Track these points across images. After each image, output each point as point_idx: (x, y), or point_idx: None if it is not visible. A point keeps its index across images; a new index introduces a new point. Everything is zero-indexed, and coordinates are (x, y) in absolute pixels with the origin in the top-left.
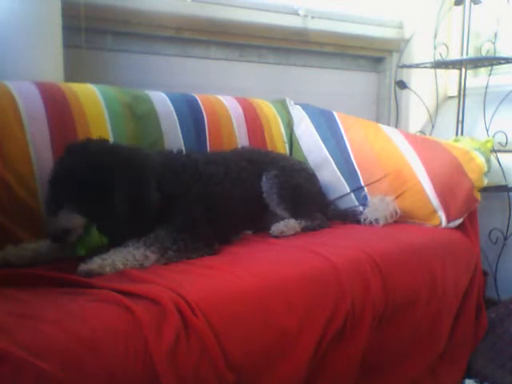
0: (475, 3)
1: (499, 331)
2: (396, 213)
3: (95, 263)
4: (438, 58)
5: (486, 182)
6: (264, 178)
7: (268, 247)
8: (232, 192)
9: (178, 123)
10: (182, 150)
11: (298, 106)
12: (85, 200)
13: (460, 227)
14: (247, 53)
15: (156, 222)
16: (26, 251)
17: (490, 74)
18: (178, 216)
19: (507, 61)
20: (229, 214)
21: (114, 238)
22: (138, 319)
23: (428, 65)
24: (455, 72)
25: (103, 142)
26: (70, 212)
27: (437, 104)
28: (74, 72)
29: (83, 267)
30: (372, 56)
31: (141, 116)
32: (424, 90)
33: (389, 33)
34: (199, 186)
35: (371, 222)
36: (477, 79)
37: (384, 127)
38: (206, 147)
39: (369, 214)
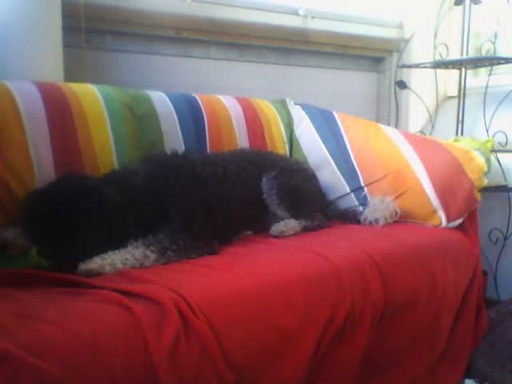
0: (475, 3)
1: (499, 331)
2: (396, 213)
3: (95, 263)
4: (437, 58)
5: (486, 182)
6: (264, 179)
7: (268, 247)
8: (231, 192)
9: (178, 123)
10: (176, 152)
11: (298, 106)
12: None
13: (460, 227)
14: (247, 53)
15: (154, 225)
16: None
17: (489, 74)
18: (176, 217)
19: (507, 61)
20: (228, 215)
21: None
22: (138, 319)
23: (428, 65)
24: (455, 72)
25: (71, 183)
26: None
27: (437, 104)
28: (73, 72)
29: (83, 267)
30: (372, 56)
31: (141, 116)
32: (424, 89)
33: (389, 33)
34: (197, 187)
35: (371, 222)
36: (477, 79)
37: (384, 127)
38: (206, 147)
39: (369, 214)
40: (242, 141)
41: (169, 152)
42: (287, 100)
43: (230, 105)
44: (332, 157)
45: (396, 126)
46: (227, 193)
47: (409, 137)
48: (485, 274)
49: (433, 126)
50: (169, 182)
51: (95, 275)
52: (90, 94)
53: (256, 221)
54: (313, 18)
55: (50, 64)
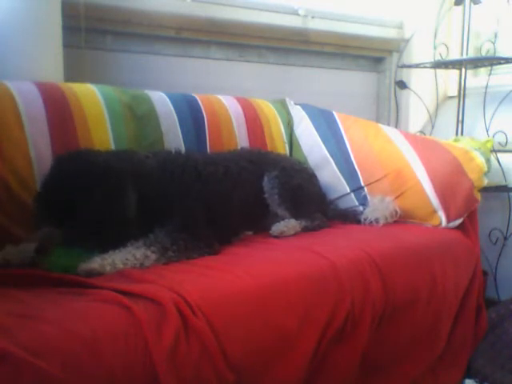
0: (475, 3)
1: (499, 331)
2: (396, 213)
3: (96, 262)
4: (437, 57)
5: (485, 182)
6: (265, 179)
7: (268, 247)
8: (232, 192)
9: (177, 123)
10: (180, 151)
11: (298, 106)
12: (59, 214)
13: (460, 227)
14: (247, 53)
15: (155, 223)
16: (26, 251)
17: (489, 74)
18: (177, 216)
19: (507, 61)
20: (229, 214)
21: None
22: (138, 319)
23: (428, 65)
24: (455, 72)
25: (87, 154)
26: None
27: (437, 104)
28: (73, 72)
29: (84, 266)
30: (372, 56)
31: (141, 116)
32: (424, 89)
33: (389, 33)
34: (198, 186)
35: (371, 222)
36: (477, 79)
37: (384, 127)
38: (206, 147)
39: (369, 213)
40: (241, 141)
41: (173, 150)
42: (287, 100)
43: (230, 105)
44: (332, 157)
45: (396, 126)
46: (228, 192)
47: (409, 137)
48: (485, 274)
49: (433, 126)
50: (173, 179)
51: (96, 275)
52: (89, 94)
53: (256, 221)
54: (313, 17)
55: (49, 64)
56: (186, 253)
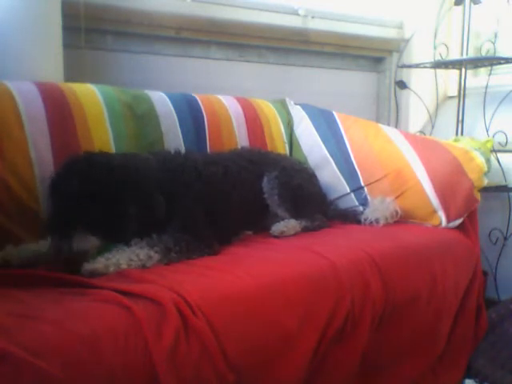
0: (475, 3)
1: (499, 331)
2: (397, 213)
3: (99, 262)
4: (437, 58)
5: (485, 182)
6: (265, 179)
7: (268, 247)
8: (232, 192)
9: (177, 123)
10: (180, 151)
11: (298, 106)
12: (95, 221)
13: (460, 227)
14: (247, 53)
15: (156, 223)
16: (26, 251)
17: (489, 74)
18: (178, 216)
19: (507, 61)
20: (229, 214)
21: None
22: (138, 319)
23: (428, 65)
24: (455, 72)
25: (105, 158)
26: (86, 234)
27: (437, 104)
28: (73, 72)
29: (88, 266)
30: (372, 56)
31: (141, 116)
32: (424, 89)
33: (389, 33)
34: (198, 186)
35: (371, 222)
36: (477, 79)
37: (384, 127)
38: (206, 147)
39: (369, 214)
40: (241, 141)
41: (172, 150)
42: (287, 100)
43: (230, 105)
44: (332, 157)
45: (396, 126)
46: (228, 192)
47: (409, 137)
48: (485, 274)
49: (433, 126)
50: (173, 179)
51: (99, 275)
52: (89, 94)
53: (256, 220)
54: (313, 17)
55: (49, 64)
56: (188, 253)
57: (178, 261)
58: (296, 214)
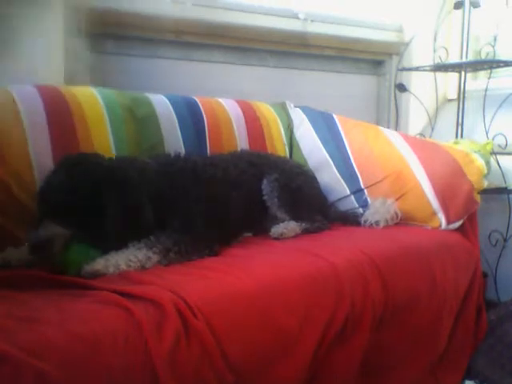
0: (475, 7)
1: (499, 333)
2: (397, 215)
3: (99, 263)
4: (437, 61)
5: (485, 184)
6: (265, 181)
7: (268, 249)
8: (231, 194)
9: (178, 126)
10: (179, 154)
11: (298, 109)
12: (67, 214)
13: (460, 229)
14: (247, 56)
15: (155, 226)
16: (26, 253)
17: (489, 77)
18: (177, 217)
19: (506, 64)
20: (228, 216)
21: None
22: (138, 320)
23: (428, 68)
24: (455, 75)
25: (95, 158)
26: (51, 222)
27: (436, 107)
28: (74, 75)
29: (88, 268)
30: (372, 59)
31: (141, 119)
32: (424, 92)
33: (389, 36)
34: (198, 189)
35: (372, 224)
36: (476, 82)
37: (384, 130)
38: (206, 150)
39: (369, 216)
40: (242, 143)
41: (172, 153)
42: (287, 103)
43: (230, 107)
44: (332, 159)
45: (396, 129)
46: (227, 194)
47: (409, 139)
48: (485, 275)
49: (432, 129)
50: (173, 181)
51: (99, 276)
52: (90, 97)
53: (256, 222)
54: (312, 21)
55: (50, 67)
56: (187, 254)
57: (177, 262)
58: (296, 216)
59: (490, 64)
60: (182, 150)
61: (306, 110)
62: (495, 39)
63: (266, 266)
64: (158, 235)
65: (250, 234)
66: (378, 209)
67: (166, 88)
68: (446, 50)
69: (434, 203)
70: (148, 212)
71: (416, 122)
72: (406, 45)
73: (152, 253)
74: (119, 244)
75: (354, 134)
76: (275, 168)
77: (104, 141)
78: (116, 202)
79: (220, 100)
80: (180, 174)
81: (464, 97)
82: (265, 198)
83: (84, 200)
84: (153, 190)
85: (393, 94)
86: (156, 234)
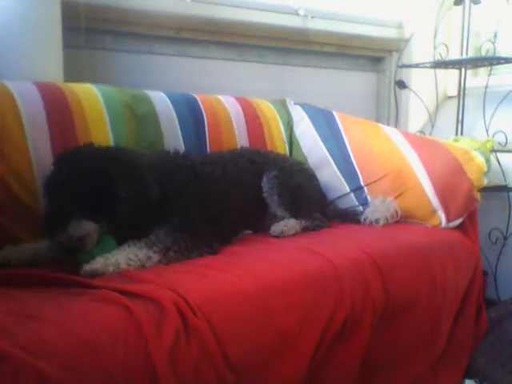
0: (475, 3)
1: (499, 331)
2: (397, 213)
3: (98, 263)
4: (437, 57)
5: (485, 182)
6: (264, 179)
7: (268, 247)
8: (231, 191)
9: (177, 123)
10: (178, 151)
11: (298, 106)
12: (89, 206)
13: (460, 227)
14: (247, 53)
15: (155, 222)
16: (26, 251)
17: (489, 74)
18: (176, 215)
19: (507, 61)
20: (228, 214)
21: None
22: (138, 319)
23: (428, 65)
24: (455, 72)
25: (92, 147)
26: (81, 219)
27: (436, 104)
28: (73, 72)
29: (87, 267)
30: (372, 56)
31: (141, 116)
32: (424, 89)
33: (388, 33)
34: (197, 186)
35: (371, 222)
36: (476, 79)
37: (384, 127)
38: (206, 147)
39: (369, 214)
40: (241, 140)
41: (171, 150)
42: (287, 100)
43: (230, 105)
44: (332, 157)
45: (396, 126)
46: (227, 192)
47: (409, 137)
48: (485, 273)
49: (432, 126)
50: (171, 178)
51: (99, 275)
52: (89, 94)
53: (256, 220)
54: (312, 17)
55: (49, 64)
56: (187, 253)
57: (177, 260)
58: (295, 214)
59: (491, 61)
60: (182, 148)
61: (306, 108)
62: (495, 36)
63: (266, 265)
64: (158, 233)
65: (249, 232)
66: (378, 207)
67: (164, 84)
68: (446, 46)
69: (434, 201)
70: (154, 189)
71: (416, 119)
72: (406, 41)
73: (152, 252)
74: (132, 231)
75: (353, 131)
76: (275, 165)
77: (103, 138)
78: (124, 183)
79: (220, 97)
80: (179, 171)
81: (464, 94)
82: (264, 195)
83: (103, 188)
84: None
85: (393, 91)
86: (155, 231)
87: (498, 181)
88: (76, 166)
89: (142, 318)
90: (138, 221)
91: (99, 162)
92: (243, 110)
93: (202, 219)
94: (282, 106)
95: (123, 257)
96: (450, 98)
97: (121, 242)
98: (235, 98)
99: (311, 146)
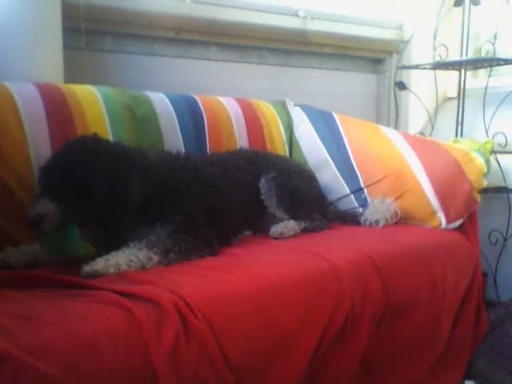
0: (475, 4)
1: (499, 332)
2: (397, 214)
3: (99, 264)
4: (437, 59)
5: (485, 183)
6: (262, 180)
7: (267, 248)
8: (230, 192)
9: (177, 124)
10: (179, 152)
11: (298, 107)
12: (61, 191)
13: (460, 228)
14: (247, 54)
15: (156, 220)
16: (26, 253)
17: (489, 75)
18: (179, 215)
19: (507, 62)
20: (227, 215)
21: (101, 241)
22: (138, 320)
23: (427, 66)
24: (455, 73)
25: (90, 138)
26: (44, 200)
27: (436, 105)
28: (73, 73)
29: (87, 268)
30: (371, 57)
31: (141, 117)
32: (424, 91)
33: (388, 34)
34: (199, 186)
35: (371, 224)
36: (476, 80)
37: (384, 128)
38: (206, 148)
39: (369, 215)
40: (241, 142)
41: (171, 151)
42: (287, 101)
43: (230, 106)
44: (332, 158)
45: (396, 127)
46: (226, 192)
47: (408, 138)
48: (485, 275)
49: (432, 127)
50: (173, 178)
51: (99, 276)
52: (89, 95)
53: (255, 221)
54: (312, 19)
55: (49, 65)
56: (188, 254)
57: (177, 262)
58: (294, 216)
59: (490, 62)
60: (182, 149)
61: (306, 109)
62: (495, 37)
63: (266, 266)
64: (158, 233)
65: (249, 233)
66: (378, 208)
67: (164, 85)
68: (446, 47)
69: (434, 202)
70: (135, 192)
71: (416, 120)
72: (406, 43)
73: (153, 253)
74: (106, 225)
75: (353, 132)
76: (273, 167)
77: None
78: (105, 180)
79: (220, 98)
80: (182, 171)
81: (464, 95)
82: (263, 197)
83: (77, 178)
84: (156, 178)
85: (392, 92)
86: (156, 231)
87: (497, 182)
88: (60, 152)
89: (142, 319)
90: (114, 216)
91: (83, 152)
92: (243, 111)
93: (204, 220)
94: (282, 107)
95: (124, 258)
96: (450, 99)
97: (98, 236)
98: (235, 99)
99: (311, 147)
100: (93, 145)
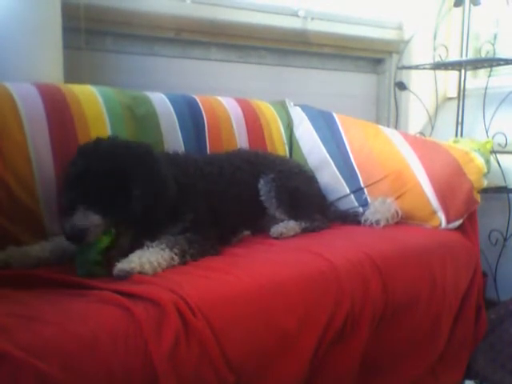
0: (475, 4)
1: (499, 332)
2: (397, 214)
3: (134, 262)
4: (437, 59)
5: (485, 183)
6: (261, 181)
7: (268, 248)
8: (229, 192)
9: (177, 124)
10: (178, 152)
11: (298, 108)
12: (100, 200)
13: (460, 228)
14: (247, 54)
15: (168, 219)
16: (26, 252)
17: (489, 76)
18: (188, 213)
19: (506, 62)
20: (228, 215)
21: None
22: (138, 320)
23: (427, 66)
24: (455, 73)
25: (114, 141)
26: (85, 211)
27: (436, 105)
28: (73, 73)
29: (123, 266)
30: (372, 57)
31: (141, 117)
32: (424, 91)
33: (388, 34)
34: (201, 186)
35: (372, 224)
36: (476, 80)
37: (384, 128)
38: (206, 148)
39: (370, 215)
40: (241, 142)
41: (172, 151)
42: (287, 101)
43: (230, 106)
44: (332, 158)
45: (396, 128)
46: (225, 192)
47: (408, 138)
48: (484, 275)
49: (432, 128)
50: (181, 176)
51: (135, 274)
52: (89, 95)
53: (254, 221)
54: (312, 19)
55: (49, 65)
56: (197, 255)
57: (185, 263)
58: (295, 216)
59: (490, 62)
60: (182, 149)
61: (306, 109)
62: (495, 37)
63: (266, 266)
64: (172, 232)
65: (248, 233)
66: (378, 208)
67: (164, 86)
68: (446, 48)
69: (434, 202)
70: (172, 189)
71: (416, 120)
72: (406, 43)
73: (174, 254)
74: (145, 225)
75: (353, 132)
76: (272, 168)
77: None
78: (141, 180)
79: (220, 99)
80: (185, 172)
81: (464, 95)
82: (262, 198)
83: (116, 185)
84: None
85: (392, 93)
86: (170, 230)
87: (497, 182)
88: (88, 159)
89: (142, 318)
90: (153, 219)
91: (116, 157)
92: (243, 112)
93: (208, 220)
94: (282, 107)
95: (154, 256)
96: (450, 99)
97: (134, 239)
98: (235, 99)
99: (311, 147)
100: (120, 149)
